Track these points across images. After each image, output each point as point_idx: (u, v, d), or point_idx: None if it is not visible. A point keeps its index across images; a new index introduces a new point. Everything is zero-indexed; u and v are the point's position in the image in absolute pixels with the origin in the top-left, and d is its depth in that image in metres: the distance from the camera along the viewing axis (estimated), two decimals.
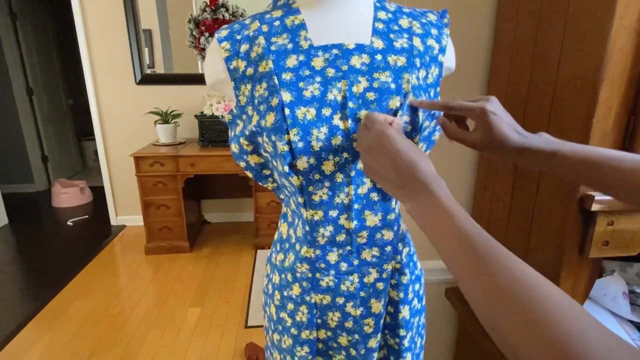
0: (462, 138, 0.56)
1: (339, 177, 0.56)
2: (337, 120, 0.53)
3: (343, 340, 0.65)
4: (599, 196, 0.73)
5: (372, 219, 0.59)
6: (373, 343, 0.66)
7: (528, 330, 0.30)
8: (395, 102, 0.54)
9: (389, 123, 0.50)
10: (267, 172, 0.64)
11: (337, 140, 0.53)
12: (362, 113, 0.53)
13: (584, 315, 0.29)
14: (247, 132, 0.58)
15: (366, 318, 0.63)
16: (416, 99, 0.55)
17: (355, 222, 0.58)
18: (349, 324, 0.64)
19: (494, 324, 0.33)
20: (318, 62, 0.54)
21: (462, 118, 0.57)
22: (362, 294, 0.62)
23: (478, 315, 0.35)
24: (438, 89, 0.62)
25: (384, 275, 0.63)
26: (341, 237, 0.60)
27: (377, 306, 0.63)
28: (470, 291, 0.36)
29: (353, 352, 0.66)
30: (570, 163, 0.50)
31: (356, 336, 0.64)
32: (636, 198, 0.46)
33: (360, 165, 0.55)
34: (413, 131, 0.56)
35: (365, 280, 0.62)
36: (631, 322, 0.90)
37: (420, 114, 0.55)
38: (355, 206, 0.58)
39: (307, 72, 0.54)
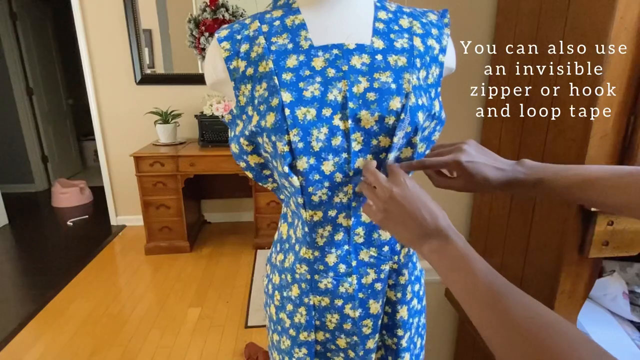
0: (447, 186, 0.58)
1: (338, 177, 0.56)
2: (337, 121, 0.53)
3: (341, 342, 0.65)
4: None
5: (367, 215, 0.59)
6: (371, 344, 0.66)
7: None
8: (395, 103, 0.54)
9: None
10: (267, 172, 0.64)
11: (337, 141, 0.53)
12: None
13: (598, 350, 0.30)
14: (247, 132, 0.58)
15: (365, 319, 0.63)
16: (393, 164, 0.55)
17: (352, 219, 0.59)
18: (347, 326, 0.64)
19: None
20: (318, 62, 0.54)
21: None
22: (360, 295, 0.62)
23: (497, 356, 0.37)
24: (439, 89, 0.62)
25: (382, 276, 0.63)
26: (339, 236, 0.60)
27: (375, 307, 0.63)
28: (493, 337, 0.37)
29: (352, 353, 0.66)
30: (555, 187, 0.51)
31: (355, 338, 0.64)
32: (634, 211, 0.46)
33: (357, 164, 0.55)
34: (412, 132, 0.56)
35: (364, 281, 0.62)
36: (631, 322, 0.90)
37: (421, 115, 0.55)
38: (353, 204, 0.58)
39: (307, 72, 0.54)
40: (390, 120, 0.53)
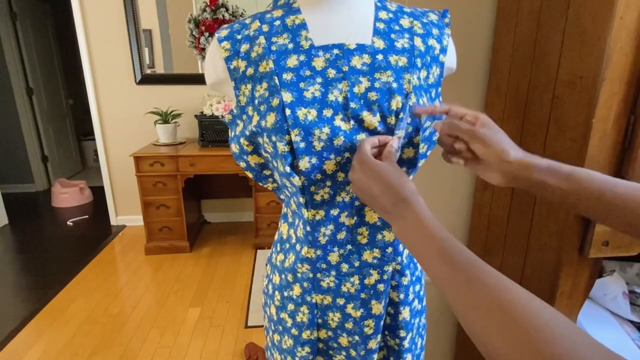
0: (458, 153, 0.57)
1: (341, 176, 0.56)
2: (338, 121, 0.53)
3: (343, 340, 0.65)
4: None
5: (371, 215, 0.59)
6: (373, 344, 0.66)
7: (518, 344, 0.30)
8: (397, 103, 0.54)
9: (382, 145, 0.51)
10: (267, 172, 0.64)
11: (339, 141, 0.53)
12: (362, 136, 0.54)
13: (571, 327, 0.30)
14: (247, 133, 0.58)
15: (366, 319, 0.63)
16: (418, 106, 0.55)
17: (355, 218, 0.58)
18: (349, 325, 0.64)
19: (482, 339, 0.34)
20: (319, 63, 0.54)
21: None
22: (362, 295, 0.62)
23: (465, 328, 0.36)
24: (439, 89, 0.62)
25: (385, 277, 0.62)
26: (342, 235, 0.60)
27: (378, 307, 0.63)
28: (457, 305, 0.37)
29: (353, 352, 0.66)
30: (588, 187, 0.47)
31: (356, 337, 0.64)
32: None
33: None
34: (413, 132, 0.56)
35: (366, 281, 0.62)
36: (631, 322, 0.90)
37: (422, 115, 0.55)
38: (356, 203, 0.58)
39: (307, 73, 0.53)
40: (392, 120, 0.53)
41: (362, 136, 0.54)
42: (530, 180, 0.51)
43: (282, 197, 0.67)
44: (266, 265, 0.75)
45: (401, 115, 0.53)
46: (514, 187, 0.54)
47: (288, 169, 0.54)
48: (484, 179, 0.57)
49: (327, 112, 0.53)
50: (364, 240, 0.60)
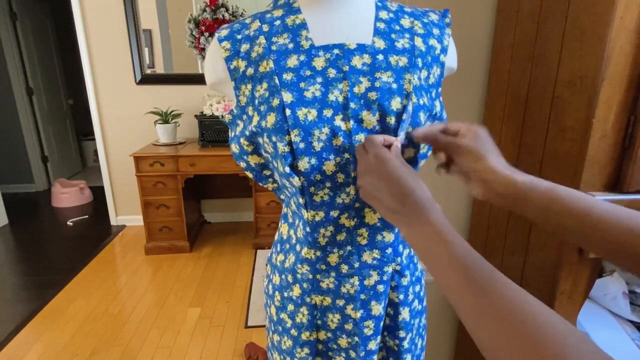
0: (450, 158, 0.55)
1: (340, 178, 0.56)
2: (338, 121, 0.53)
3: (343, 342, 0.65)
4: (599, 196, 0.73)
5: (371, 217, 0.59)
6: (373, 345, 0.65)
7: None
8: (397, 103, 0.54)
9: (387, 145, 0.50)
10: (267, 172, 0.64)
11: (339, 141, 0.53)
12: (361, 136, 0.53)
13: (586, 343, 0.29)
14: (247, 133, 0.58)
15: (366, 320, 0.63)
16: (417, 129, 0.54)
17: (355, 219, 0.58)
18: (348, 326, 0.64)
19: (494, 354, 0.33)
20: (319, 63, 0.54)
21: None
22: (362, 296, 0.62)
23: (477, 343, 0.35)
24: (440, 89, 0.62)
25: (385, 278, 0.62)
26: (342, 236, 0.59)
27: (377, 309, 0.63)
28: (468, 315, 0.36)
29: (353, 354, 0.66)
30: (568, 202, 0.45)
31: (356, 338, 0.64)
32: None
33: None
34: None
35: (366, 282, 0.62)
36: (631, 322, 0.90)
37: (422, 115, 0.55)
38: (356, 205, 0.58)
39: (308, 73, 0.53)
40: (392, 120, 0.53)
41: (361, 136, 0.54)
42: (511, 193, 0.49)
43: (282, 197, 0.67)
44: (266, 265, 0.75)
45: (404, 116, 0.53)
46: (497, 203, 0.51)
47: (288, 169, 0.54)
48: (469, 192, 0.55)
49: (327, 112, 0.53)
50: (364, 242, 0.60)
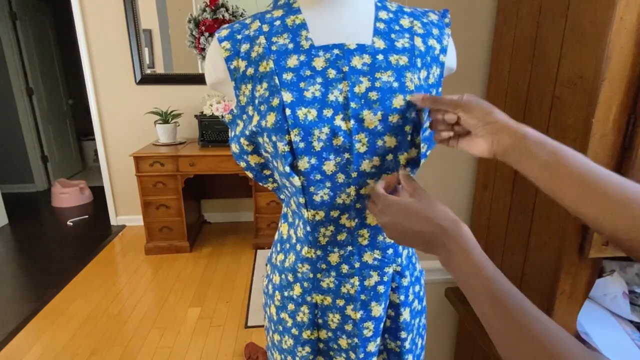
0: (449, 129, 0.56)
1: (340, 178, 0.56)
2: (339, 121, 0.53)
3: (343, 342, 0.65)
4: None
5: (372, 218, 0.59)
6: (372, 347, 0.65)
7: None
8: (399, 101, 0.54)
9: (394, 185, 0.53)
10: (267, 172, 0.64)
11: (339, 141, 0.53)
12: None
13: None
14: (247, 132, 0.58)
15: (366, 322, 0.63)
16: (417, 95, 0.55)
17: (356, 220, 0.58)
18: (348, 327, 0.64)
19: None
20: (319, 63, 0.54)
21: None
22: (362, 297, 0.62)
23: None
24: (440, 89, 0.62)
25: (385, 278, 0.62)
26: (342, 237, 0.59)
27: (378, 310, 0.63)
28: (502, 346, 0.39)
29: (352, 355, 0.66)
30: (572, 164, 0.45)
31: (355, 340, 0.64)
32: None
33: (362, 167, 0.55)
34: (415, 132, 0.56)
35: (366, 283, 0.62)
36: (631, 322, 0.90)
37: (422, 115, 0.56)
38: (357, 205, 0.58)
39: (308, 73, 0.53)
40: (394, 118, 0.53)
41: (361, 136, 0.54)
42: (519, 146, 0.48)
43: (282, 197, 0.67)
44: (266, 265, 0.75)
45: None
46: (502, 158, 0.51)
47: (288, 169, 0.54)
48: (473, 153, 0.54)
49: (327, 112, 0.53)
50: (365, 242, 0.60)
